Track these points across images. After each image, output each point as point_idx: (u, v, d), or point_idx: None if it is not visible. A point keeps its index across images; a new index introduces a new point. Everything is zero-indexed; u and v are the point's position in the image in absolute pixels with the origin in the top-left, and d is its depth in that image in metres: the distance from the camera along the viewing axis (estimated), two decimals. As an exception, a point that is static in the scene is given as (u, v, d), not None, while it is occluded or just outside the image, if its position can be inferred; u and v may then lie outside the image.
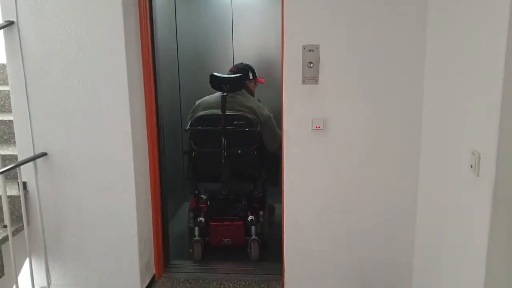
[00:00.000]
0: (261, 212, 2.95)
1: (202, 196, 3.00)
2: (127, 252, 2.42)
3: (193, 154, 2.89)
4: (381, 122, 2.17)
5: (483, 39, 1.43)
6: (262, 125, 2.88)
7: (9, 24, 2.21)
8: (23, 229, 2.34)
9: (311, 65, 2.12)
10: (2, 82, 3.22)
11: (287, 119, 2.22)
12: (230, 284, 2.61)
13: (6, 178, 2.27)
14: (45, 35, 2.22)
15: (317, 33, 2.11)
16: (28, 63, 2.25)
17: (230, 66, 3.38)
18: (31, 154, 2.31)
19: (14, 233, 2.29)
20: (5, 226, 2.25)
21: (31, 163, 2.31)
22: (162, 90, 2.63)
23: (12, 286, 2.25)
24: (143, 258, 2.50)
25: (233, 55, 3.79)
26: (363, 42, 2.10)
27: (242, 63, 3.22)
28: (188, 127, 2.87)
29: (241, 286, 2.60)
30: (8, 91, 2.46)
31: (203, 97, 3.03)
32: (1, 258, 2.25)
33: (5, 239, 2.24)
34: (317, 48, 2.11)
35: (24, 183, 2.35)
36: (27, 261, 2.38)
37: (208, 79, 2.86)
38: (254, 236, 2.85)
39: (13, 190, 2.41)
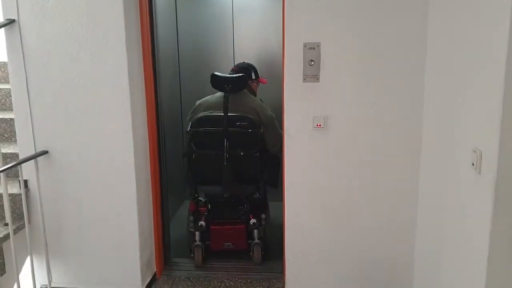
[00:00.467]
0: (263, 215, 2.90)
1: (200, 198, 2.93)
2: (128, 250, 2.43)
3: (193, 156, 2.81)
4: (382, 119, 2.17)
5: (484, 36, 1.43)
6: (264, 126, 2.81)
7: (10, 22, 2.21)
8: (24, 227, 2.35)
9: (312, 63, 2.12)
10: (3, 81, 3.22)
11: (288, 117, 2.22)
12: (231, 282, 2.61)
13: (7, 176, 2.27)
14: (46, 34, 2.22)
15: (318, 31, 2.10)
16: (29, 62, 2.25)
17: (231, 65, 3.35)
18: (32, 152, 2.32)
19: (15, 231, 2.30)
20: (6, 224, 2.26)
21: (32, 161, 2.31)
22: (162, 88, 2.62)
23: (14, 284, 2.26)
24: (144, 256, 2.50)
25: (233, 54, 3.78)
26: (364, 40, 2.10)
27: (244, 62, 3.13)
28: (189, 128, 2.80)
29: (242, 284, 2.60)
30: (9, 89, 2.45)
31: (204, 96, 2.96)
32: (3, 256, 2.26)
33: (6, 237, 2.25)
34: (318, 46, 2.11)
35: (25, 181, 2.35)
36: (28, 259, 2.39)
37: (209, 78, 2.79)
38: (256, 240, 2.79)
39: (14, 188, 2.41)
